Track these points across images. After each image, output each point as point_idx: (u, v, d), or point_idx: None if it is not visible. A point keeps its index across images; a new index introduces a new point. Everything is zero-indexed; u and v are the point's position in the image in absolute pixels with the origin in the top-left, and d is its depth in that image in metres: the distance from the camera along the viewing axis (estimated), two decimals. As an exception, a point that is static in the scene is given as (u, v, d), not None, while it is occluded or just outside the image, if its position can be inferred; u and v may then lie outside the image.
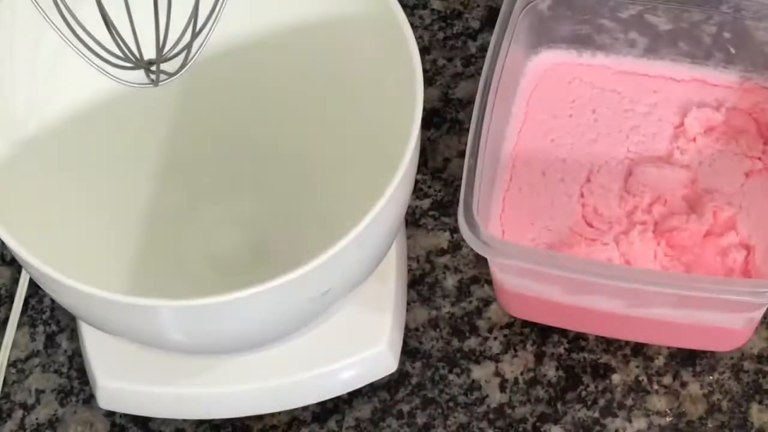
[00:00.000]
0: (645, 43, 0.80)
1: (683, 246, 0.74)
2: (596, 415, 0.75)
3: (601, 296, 0.73)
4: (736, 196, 0.76)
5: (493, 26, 0.76)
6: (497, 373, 0.77)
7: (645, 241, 0.74)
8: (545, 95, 0.80)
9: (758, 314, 0.73)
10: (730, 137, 0.79)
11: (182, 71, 0.66)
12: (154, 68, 0.65)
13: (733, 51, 0.80)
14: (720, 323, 0.73)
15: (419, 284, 0.79)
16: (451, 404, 0.76)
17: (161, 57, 0.65)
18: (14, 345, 0.79)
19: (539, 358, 0.77)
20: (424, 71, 0.66)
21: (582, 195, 0.77)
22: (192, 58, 0.66)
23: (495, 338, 0.78)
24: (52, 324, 0.80)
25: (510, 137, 0.79)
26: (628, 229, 0.75)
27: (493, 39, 0.75)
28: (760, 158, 0.78)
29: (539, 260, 0.70)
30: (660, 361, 0.76)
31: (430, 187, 0.82)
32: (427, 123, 0.84)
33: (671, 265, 0.74)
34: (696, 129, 0.79)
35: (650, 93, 0.81)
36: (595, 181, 0.77)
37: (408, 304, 0.78)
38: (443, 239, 0.80)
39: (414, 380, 0.77)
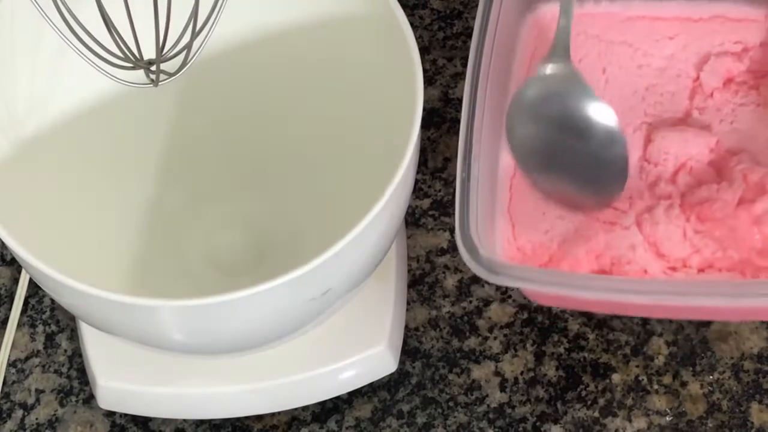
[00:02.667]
0: None
1: (714, 219, 0.70)
2: (596, 414, 0.75)
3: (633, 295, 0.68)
4: (764, 154, 0.71)
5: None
6: (497, 373, 0.77)
7: (671, 219, 0.70)
8: None
9: None
10: (750, 87, 0.74)
11: (182, 71, 0.66)
12: (153, 68, 0.65)
13: None
14: None
15: (419, 284, 0.79)
16: (451, 404, 0.76)
17: (161, 57, 0.65)
18: (14, 345, 0.79)
19: (539, 357, 0.77)
20: (424, 71, 0.66)
21: None
22: (192, 58, 0.66)
23: (495, 338, 0.78)
24: (52, 324, 0.80)
25: None
26: (651, 206, 0.71)
27: (480, 6, 0.70)
28: None
29: (551, 282, 0.66)
30: (660, 361, 0.76)
31: (430, 187, 0.82)
32: (427, 123, 0.84)
33: (703, 243, 0.70)
34: (713, 83, 0.74)
35: (665, 41, 0.74)
36: None
37: (408, 303, 0.78)
38: (443, 239, 0.80)
39: (414, 380, 0.77)
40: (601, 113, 0.70)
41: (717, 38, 0.75)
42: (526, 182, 0.72)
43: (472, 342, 0.78)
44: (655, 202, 0.71)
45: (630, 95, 0.74)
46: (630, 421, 0.75)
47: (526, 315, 0.78)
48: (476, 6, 0.87)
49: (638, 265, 0.70)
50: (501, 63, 0.72)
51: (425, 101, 0.66)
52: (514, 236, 0.72)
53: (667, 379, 0.76)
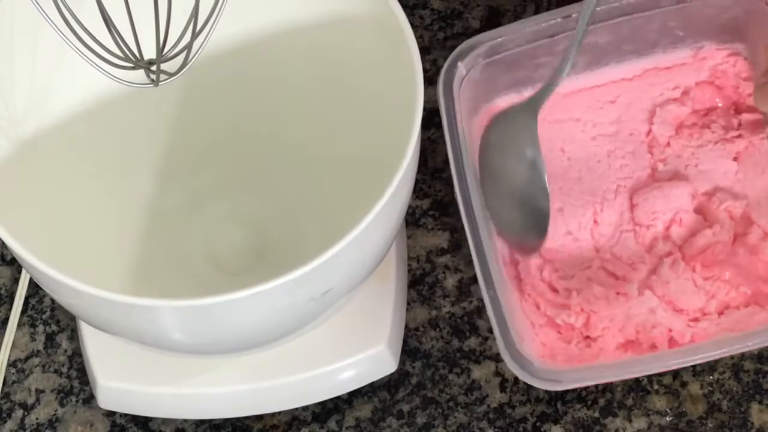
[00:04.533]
0: (586, 61, 0.77)
1: (719, 262, 0.73)
2: (596, 414, 0.75)
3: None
4: (738, 186, 0.74)
5: (493, 26, 0.75)
6: (497, 373, 0.77)
7: (679, 273, 0.72)
8: None
9: None
10: (702, 127, 0.76)
11: (182, 71, 0.66)
12: (154, 68, 0.65)
13: (681, 33, 0.77)
14: None
15: (419, 284, 0.79)
16: (451, 404, 0.76)
17: (161, 57, 0.65)
18: (14, 345, 0.79)
19: (539, 357, 0.77)
20: (425, 71, 0.66)
21: (595, 242, 0.74)
22: (192, 58, 0.66)
23: (495, 338, 0.77)
24: (52, 324, 0.80)
25: None
26: (656, 266, 0.73)
27: (446, 131, 0.72)
28: (740, 135, 0.75)
29: (600, 376, 0.69)
30: (660, 361, 0.76)
31: (430, 187, 0.82)
32: (427, 123, 0.84)
33: (715, 288, 0.72)
34: (666, 133, 0.76)
35: (608, 105, 0.77)
36: (603, 222, 0.75)
37: (408, 303, 0.78)
38: (443, 239, 0.80)
39: (414, 380, 0.77)
40: (536, 166, 0.71)
41: (656, 90, 0.77)
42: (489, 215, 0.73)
43: (472, 342, 0.78)
44: (658, 262, 0.73)
45: (595, 165, 0.76)
46: (630, 421, 0.75)
47: (526, 315, 0.78)
48: (477, 6, 0.88)
49: (662, 326, 0.72)
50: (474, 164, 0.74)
51: (425, 101, 0.66)
52: (537, 333, 0.73)
53: (667, 380, 0.76)
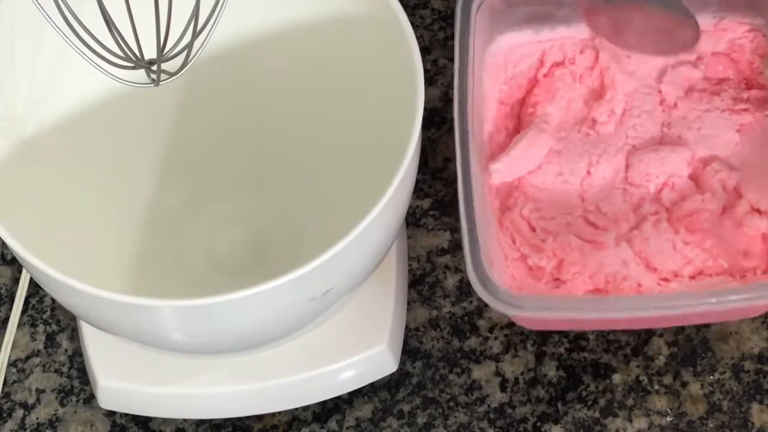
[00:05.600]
0: None
1: (703, 230, 0.72)
2: (597, 414, 0.75)
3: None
4: (735, 158, 0.74)
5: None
6: (498, 373, 0.77)
7: (660, 233, 0.72)
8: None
9: None
10: (712, 93, 0.76)
11: (183, 71, 0.66)
12: (154, 68, 0.65)
13: None
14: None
15: (419, 284, 0.79)
16: (451, 404, 0.76)
17: (162, 57, 0.65)
18: (14, 345, 0.79)
19: (539, 357, 0.77)
20: (425, 71, 0.66)
21: (583, 191, 0.75)
22: (193, 58, 0.66)
23: (495, 338, 0.78)
24: (53, 324, 0.80)
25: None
26: (639, 223, 0.73)
27: (457, 72, 0.73)
28: (747, 109, 0.75)
29: (562, 308, 0.69)
30: (660, 361, 0.76)
31: (430, 186, 0.82)
32: (427, 123, 0.84)
33: (694, 254, 0.72)
34: (675, 93, 0.76)
35: (623, 59, 0.77)
36: (596, 175, 0.75)
37: (408, 303, 0.78)
38: (443, 239, 0.80)
39: (414, 380, 0.77)
40: None
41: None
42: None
43: (472, 342, 0.78)
44: (642, 220, 0.73)
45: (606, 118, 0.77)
46: (630, 421, 0.75)
47: (526, 315, 0.78)
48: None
49: (633, 280, 0.72)
50: (477, 106, 0.74)
51: (426, 101, 0.66)
52: (507, 265, 0.74)
53: (667, 380, 0.76)
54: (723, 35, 0.78)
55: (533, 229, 0.74)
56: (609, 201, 0.75)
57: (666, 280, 0.72)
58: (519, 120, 0.78)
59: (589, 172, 0.75)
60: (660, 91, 0.77)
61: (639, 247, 0.72)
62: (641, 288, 0.72)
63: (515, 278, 0.73)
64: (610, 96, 0.77)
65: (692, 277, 0.72)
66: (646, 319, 0.73)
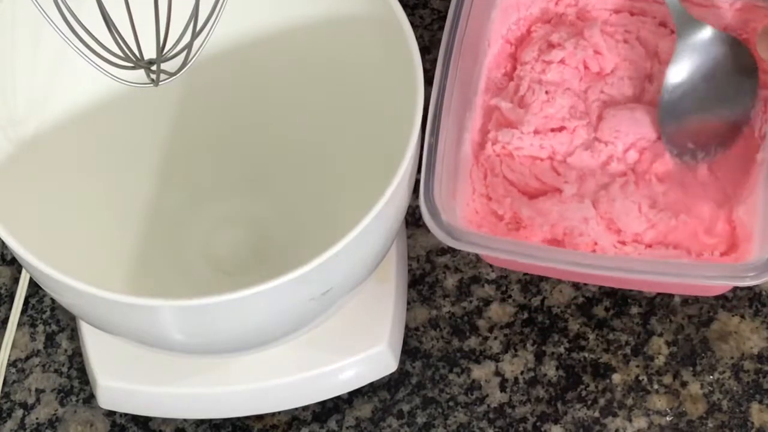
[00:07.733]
0: None
1: (671, 179, 0.73)
2: (596, 414, 0.75)
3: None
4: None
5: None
6: (497, 373, 0.77)
7: (627, 195, 0.73)
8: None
9: None
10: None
11: (182, 71, 0.66)
12: (154, 68, 0.65)
13: None
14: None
15: (419, 284, 0.79)
16: (451, 404, 0.76)
17: (161, 57, 0.65)
18: (14, 344, 0.79)
19: (539, 357, 0.77)
20: (425, 71, 0.66)
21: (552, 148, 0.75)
22: (192, 58, 0.66)
23: (495, 338, 0.78)
24: (52, 323, 0.80)
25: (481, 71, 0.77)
26: (606, 183, 0.73)
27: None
28: None
29: (505, 249, 0.69)
30: (660, 361, 0.76)
31: (430, 186, 0.82)
32: (427, 122, 0.84)
33: (658, 219, 0.72)
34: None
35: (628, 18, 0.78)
36: (569, 127, 0.75)
37: (408, 303, 0.78)
38: (443, 239, 0.80)
39: (414, 380, 0.77)
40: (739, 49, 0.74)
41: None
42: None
43: (472, 342, 0.78)
44: (608, 180, 0.73)
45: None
46: (630, 421, 0.75)
47: (526, 315, 0.78)
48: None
49: (589, 237, 0.73)
50: (473, 40, 0.75)
51: (426, 101, 0.66)
52: (473, 199, 0.74)
53: (667, 379, 0.76)
54: (737, 15, 0.77)
55: (507, 180, 0.75)
56: (578, 157, 0.75)
57: (622, 243, 0.72)
58: (515, 60, 0.78)
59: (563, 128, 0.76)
60: (655, 53, 0.77)
61: (604, 207, 0.73)
62: (596, 246, 0.72)
63: (478, 213, 0.74)
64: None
65: (649, 246, 0.72)
66: (586, 274, 0.73)
